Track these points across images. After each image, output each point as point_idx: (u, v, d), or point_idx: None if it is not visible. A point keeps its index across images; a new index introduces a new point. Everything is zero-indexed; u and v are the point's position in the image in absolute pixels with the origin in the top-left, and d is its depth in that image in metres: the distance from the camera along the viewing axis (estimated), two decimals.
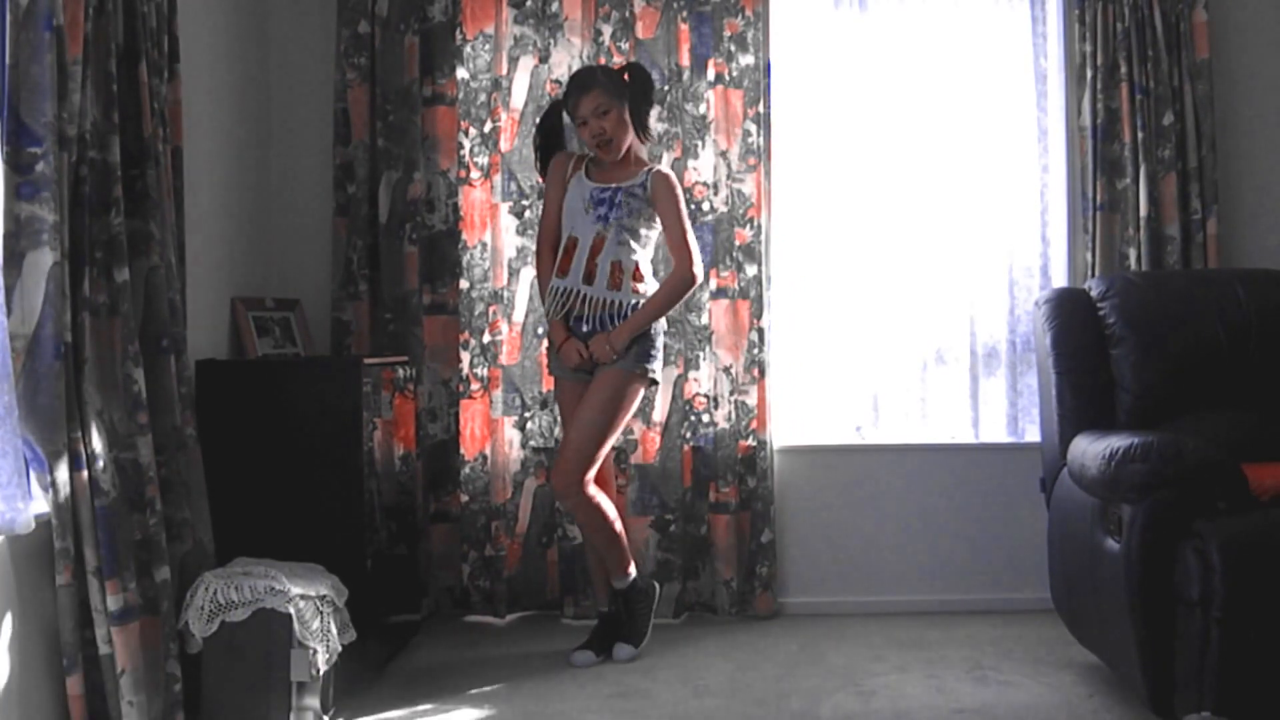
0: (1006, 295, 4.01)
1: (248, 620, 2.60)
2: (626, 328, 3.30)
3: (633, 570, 3.41)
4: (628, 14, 3.86)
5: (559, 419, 3.58)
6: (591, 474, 3.31)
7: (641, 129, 3.39)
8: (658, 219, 3.38)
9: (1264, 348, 3.19)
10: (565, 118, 3.47)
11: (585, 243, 3.34)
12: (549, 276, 3.44)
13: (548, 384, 3.87)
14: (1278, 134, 3.99)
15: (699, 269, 3.38)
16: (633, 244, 3.36)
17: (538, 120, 3.58)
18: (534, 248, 3.63)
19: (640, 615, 3.42)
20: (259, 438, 3.12)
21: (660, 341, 3.40)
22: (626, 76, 3.39)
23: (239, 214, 3.58)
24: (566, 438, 3.36)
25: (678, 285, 3.37)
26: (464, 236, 3.90)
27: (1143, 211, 3.83)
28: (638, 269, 3.36)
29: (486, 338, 3.89)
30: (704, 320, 3.87)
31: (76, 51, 2.36)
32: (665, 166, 3.57)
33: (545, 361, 3.67)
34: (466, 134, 3.91)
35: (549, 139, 3.51)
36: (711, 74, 3.88)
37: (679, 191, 3.39)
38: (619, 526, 3.39)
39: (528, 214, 3.91)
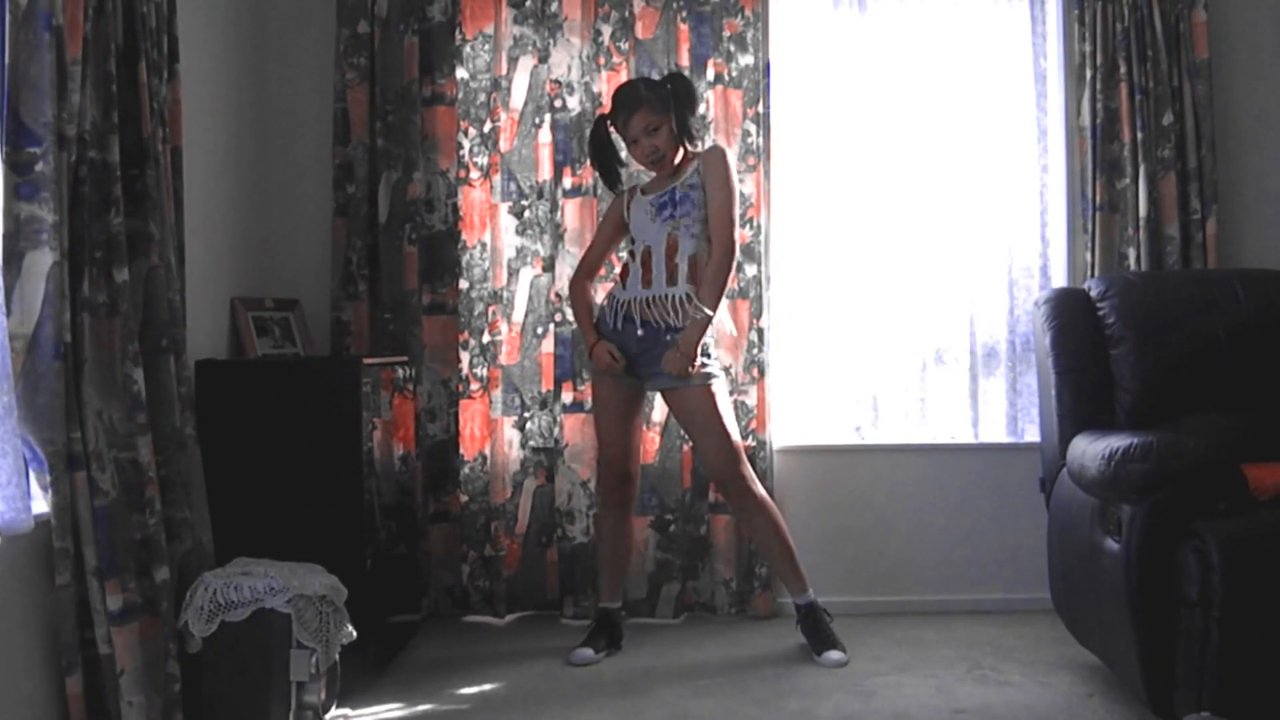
0: (1006, 295, 4.01)
1: (247, 620, 2.60)
2: (696, 333, 3.22)
3: (810, 588, 3.41)
4: (627, 14, 3.86)
5: (596, 416, 3.49)
6: (748, 467, 3.32)
7: (687, 137, 3.36)
8: None
9: (1264, 348, 3.19)
10: (612, 131, 3.43)
11: (659, 248, 3.31)
12: (586, 300, 3.46)
13: (547, 384, 3.87)
14: (1278, 134, 3.98)
15: (738, 237, 3.33)
16: (706, 234, 3.32)
17: (588, 138, 3.50)
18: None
19: (828, 624, 3.40)
20: (259, 438, 3.12)
21: (709, 339, 3.32)
22: (669, 86, 3.35)
23: (239, 214, 3.58)
24: (705, 454, 3.36)
25: (725, 262, 3.26)
26: (463, 236, 3.90)
27: (1142, 212, 3.82)
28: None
29: (486, 338, 3.89)
30: None
31: (76, 51, 2.36)
32: (719, 143, 3.50)
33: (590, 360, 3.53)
34: (466, 134, 3.92)
35: (602, 152, 3.44)
36: (711, 74, 3.88)
37: (730, 163, 3.33)
38: (790, 538, 3.39)
39: (527, 214, 3.91)
